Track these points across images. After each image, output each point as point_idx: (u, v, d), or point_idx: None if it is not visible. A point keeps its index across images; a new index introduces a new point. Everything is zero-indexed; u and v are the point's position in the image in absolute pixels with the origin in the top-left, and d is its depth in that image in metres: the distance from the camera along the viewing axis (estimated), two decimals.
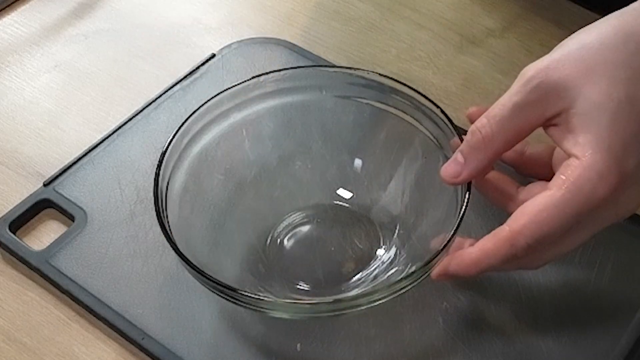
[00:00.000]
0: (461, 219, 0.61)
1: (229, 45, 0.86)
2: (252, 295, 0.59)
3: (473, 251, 0.60)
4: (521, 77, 0.60)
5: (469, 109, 0.68)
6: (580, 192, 0.57)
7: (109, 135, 0.80)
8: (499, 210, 0.68)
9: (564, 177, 0.57)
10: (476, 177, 0.63)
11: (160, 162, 0.65)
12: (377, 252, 0.70)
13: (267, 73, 0.67)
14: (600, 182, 0.56)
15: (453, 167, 0.63)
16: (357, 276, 0.69)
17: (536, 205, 0.58)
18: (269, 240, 0.71)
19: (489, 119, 0.61)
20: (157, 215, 0.63)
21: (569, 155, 0.58)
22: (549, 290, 0.67)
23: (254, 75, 0.70)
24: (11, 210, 0.75)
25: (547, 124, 0.60)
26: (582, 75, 0.58)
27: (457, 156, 0.63)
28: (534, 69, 0.60)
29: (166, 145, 0.66)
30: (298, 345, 0.66)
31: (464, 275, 0.61)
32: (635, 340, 0.64)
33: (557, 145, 0.61)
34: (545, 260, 0.61)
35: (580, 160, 0.57)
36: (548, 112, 0.59)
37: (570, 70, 0.58)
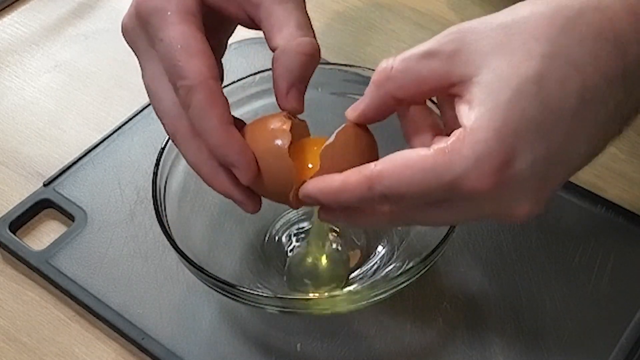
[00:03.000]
0: None
1: (229, 46, 0.85)
2: (251, 291, 0.60)
3: (337, 178, 0.54)
4: (445, 30, 0.54)
5: None
6: (450, 169, 0.50)
7: (109, 135, 0.80)
8: None
9: (444, 145, 0.50)
10: (374, 116, 0.57)
11: (159, 159, 0.65)
12: (377, 249, 0.70)
13: (263, 71, 0.67)
14: (476, 167, 0.49)
15: (355, 103, 0.57)
16: (356, 272, 0.69)
17: (406, 159, 0.52)
18: (267, 238, 0.71)
19: (395, 57, 0.55)
20: (155, 211, 0.63)
21: (461, 126, 0.51)
22: (549, 290, 0.67)
23: (251, 73, 0.70)
24: (11, 210, 0.75)
25: (451, 92, 0.53)
26: (497, 45, 0.51)
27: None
28: (458, 26, 0.53)
29: (164, 142, 0.66)
30: (298, 345, 0.66)
31: (323, 202, 0.56)
32: (636, 340, 0.64)
33: (459, 119, 0.53)
34: (410, 224, 0.57)
35: (466, 134, 0.50)
36: (454, 73, 0.52)
37: (488, 38, 0.51)
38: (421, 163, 0.51)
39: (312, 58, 0.59)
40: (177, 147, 0.60)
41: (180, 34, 0.57)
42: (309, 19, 0.61)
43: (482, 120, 0.50)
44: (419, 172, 0.51)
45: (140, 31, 0.60)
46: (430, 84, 0.54)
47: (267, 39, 0.59)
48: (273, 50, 0.59)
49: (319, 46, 0.59)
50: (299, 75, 0.59)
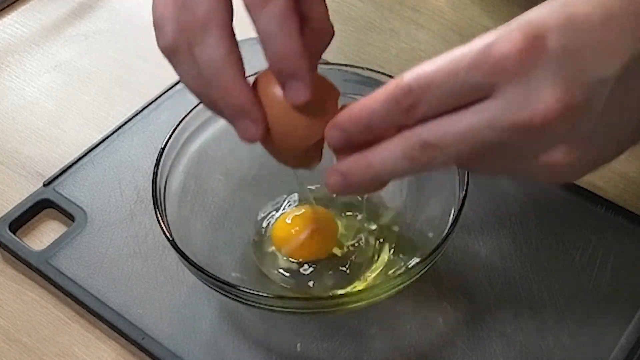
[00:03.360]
0: (458, 215, 0.61)
1: None
2: (251, 292, 0.59)
3: (364, 100, 0.52)
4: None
5: None
6: (479, 40, 0.49)
7: (109, 135, 0.80)
8: (495, 208, 0.68)
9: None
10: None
11: (159, 159, 0.65)
12: (377, 247, 0.70)
13: (263, 71, 0.67)
14: (505, 34, 0.48)
15: None
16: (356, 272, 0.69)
17: (432, 60, 0.50)
18: (266, 237, 0.71)
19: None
20: (155, 211, 0.63)
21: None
22: (549, 290, 0.67)
23: (251, 74, 0.70)
24: (11, 210, 0.75)
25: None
26: None
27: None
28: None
29: (164, 143, 0.66)
30: (298, 344, 0.66)
31: (349, 124, 0.53)
32: (636, 340, 0.64)
33: None
34: (442, 151, 0.51)
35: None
36: None
37: None
38: (448, 53, 0.49)
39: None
40: (173, 65, 0.57)
41: None
42: None
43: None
44: (447, 56, 0.49)
45: None
46: None
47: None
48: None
49: None
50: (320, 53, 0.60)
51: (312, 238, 0.68)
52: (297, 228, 0.69)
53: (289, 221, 0.70)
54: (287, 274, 0.69)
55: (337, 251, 0.70)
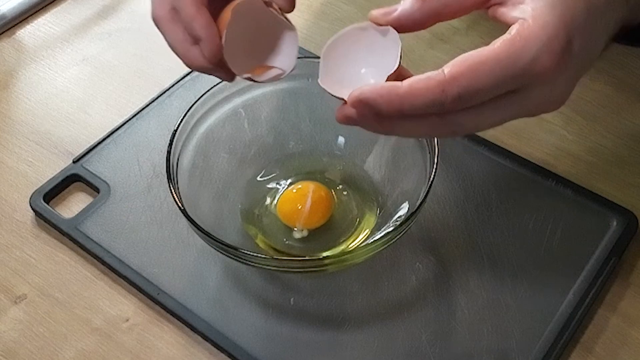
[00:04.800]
0: (429, 188, 0.61)
1: None
2: (251, 253, 0.59)
3: (401, 85, 0.49)
4: None
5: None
6: (525, 50, 0.47)
7: (129, 119, 0.79)
8: (461, 182, 0.68)
9: (511, 35, 0.48)
10: (408, 25, 0.53)
11: (172, 140, 0.65)
12: (361, 216, 0.70)
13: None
14: (548, 46, 0.47)
15: (386, 8, 0.53)
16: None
17: (478, 57, 0.48)
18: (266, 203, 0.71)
19: None
20: (168, 184, 0.62)
21: (517, 21, 0.49)
22: (507, 252, 0.67)
23: None
24: (45, 183, 0.74)
25: (493, 1, 0.52)
26: None
27: None
28: None
29: (177, 125, 0.65)
30: (291, 299, 0.66)
31: (381, 106, 0.49)
32: (582, 295, 0.64)
33: (503, 21, 0.51)
34: (464, 127, 0.51)
35: (530, 22, 0.48)
36: None
37: None
38: (495, 56, 0.47)
39: None
40: (160, 31, 0.60)
41: None
42: None
43: (543, 8, 0.48)
44: (497, 64, 0.47)
45: None
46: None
47: None
48: None
49: None
50: None
51: (313, 209, 0.68)
52: (300, 201, 0.69)
53: (292, 194, 0.70)
54: (285, 240, 0.68)
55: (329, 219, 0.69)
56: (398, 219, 0.64)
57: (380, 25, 0.54)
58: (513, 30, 0.48)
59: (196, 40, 0.57)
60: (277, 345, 0.63)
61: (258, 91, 0.70)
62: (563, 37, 0.48)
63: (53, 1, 0.95)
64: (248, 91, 0.70)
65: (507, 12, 0.50)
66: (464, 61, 0.48)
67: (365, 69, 0.56)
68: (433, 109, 0.49)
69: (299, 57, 0.60)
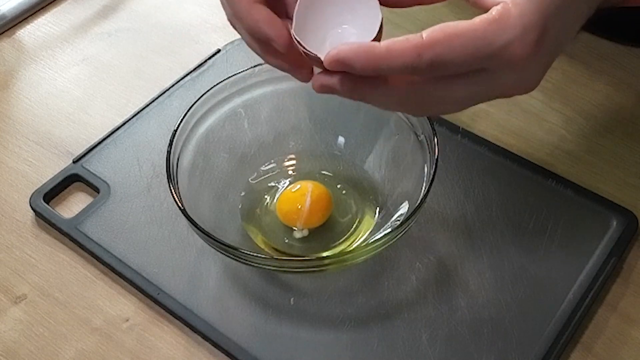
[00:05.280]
0: (429, 188, 0.61)
1: (232, 42, 0.85)
2: (251, 253, 0.59)
3: (379, 46, 0.49)
4: None
5: None
6: (500, 36, 0.48)
7: (129, 119, 0.79)
8: (460, 182, 0.68)
9: (491, 15, 0.48)
10: None
11: (172, 140, 0.65)
12: (360, 216, 0.69)
13: (262, 64, 0.67)
14: (522, 34, 0.48)
15: None
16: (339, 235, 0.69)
17: (456, 28, 0.48)
18: (266, 203, 0.71)
19: None
20: (168, 184, 0.62)
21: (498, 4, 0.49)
22: (507, 252, 0.67)
23: (252, 65, 0.69)
24: (45, 183, 0.74)
25: None
26: None
27: None
28: None
29: (177, 125, 0.65)
30: (292, 299, 0.65)
31: (357, 65, 0.49)
32: (581, 295, 0.64)
33: (482, 6, 0.51)
34: (434, 100, 0.52)
35: (511, 6, 0.48)
36: None
37: None
38: (472, 32, 0.48)
39: None
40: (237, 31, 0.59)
41: None
42: None
43: None
44: (471, 39, 0.48)
45: None
46: None
47: None
48: None
49: None
50: None
51: (312, 208, 0.68)
52: (299, 201, 0.69)
53: (291, 194, 0.70)
54: (286, 239, 0.68)
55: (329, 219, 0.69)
56: (398, 219, 0.64)
57: None
58: (494, 11, 0.49)
59: (263, 40, 0.56)
60: (277, 345, 0.63)
61: (258, 91, 0.70)
62: (539, 28, 0.49)
63: (53, 1, 0.95)
64: (248, 91, 0.70)
65: None
66: (443, 29, 0.49)
67: (342, 30, 0.56)
68: (407, 71, 0.49)
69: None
